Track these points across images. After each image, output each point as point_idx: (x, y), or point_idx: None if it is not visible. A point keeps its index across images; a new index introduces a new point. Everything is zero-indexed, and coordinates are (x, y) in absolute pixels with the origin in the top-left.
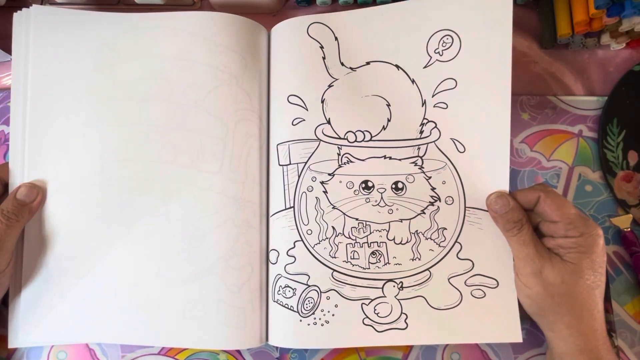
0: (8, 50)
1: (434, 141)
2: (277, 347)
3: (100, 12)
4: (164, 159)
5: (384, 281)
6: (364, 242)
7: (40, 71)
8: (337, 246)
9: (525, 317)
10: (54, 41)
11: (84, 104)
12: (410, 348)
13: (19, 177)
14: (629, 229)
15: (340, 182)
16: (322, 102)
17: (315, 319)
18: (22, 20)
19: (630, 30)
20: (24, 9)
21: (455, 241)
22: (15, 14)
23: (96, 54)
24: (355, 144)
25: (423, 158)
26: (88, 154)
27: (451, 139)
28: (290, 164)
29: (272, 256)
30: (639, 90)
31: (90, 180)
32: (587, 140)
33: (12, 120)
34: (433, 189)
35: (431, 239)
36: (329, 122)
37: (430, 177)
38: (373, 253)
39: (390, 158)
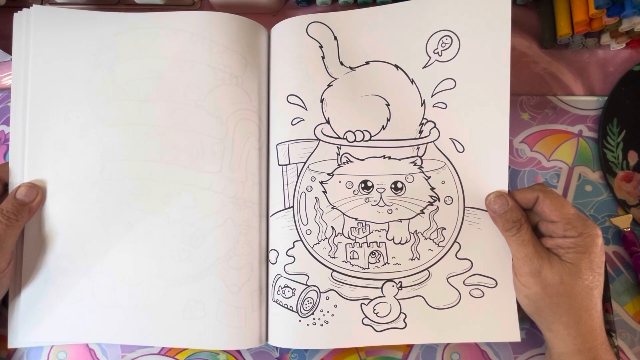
0: (8, 50)
1: (433, 141)
2: (277, 347)
3: (100, 12)
4: (164, 159)
5: (383, 281)
6: (363, 242)
7: (40, 71)
8: (337, 246)
9: (525, 317)
10: (54, 41)
11: (84, 104)
12: (410, 348)
13: (18, 177)
14: (629, 229)
15: (340, 182)
16: (322, 101)
17: (314, 319)
18: (23, 21)
19: (630, 30)
20: (24, 9)
21: (454, 241)
22: (15, 14)
23: (96, 54)
24: (355, 143)
25: (422, 158)
26: (88, 154)
27: (450, 138)
28: (289, 163)
29: (272, 256)
30: (639, 90)
31: (90, 180)
32: (587, 140)
33: (12, 120)
34: (432, 188)
35: (430, 239)
36: (328, 121)
37: (429, 177)
38: (372, 253)
39: (389, 158)
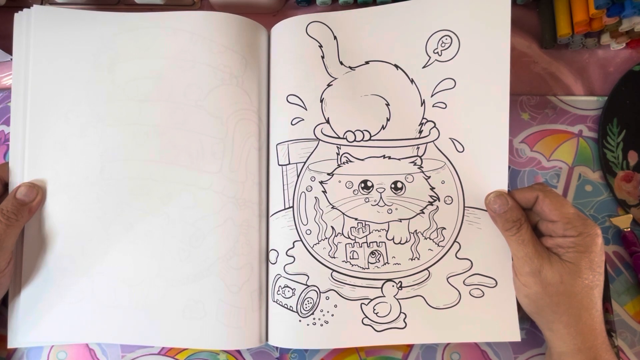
0: (8, 50)
1: (433, 141)
2: (277, 347)
3: (100, 12)
4: (164, 159)
5: (383, 281)
6: (363, 242)
7: (40, 71)
8: (337, 246)
9: (525, 317)
10: (54, 41)
11: (84, 104)
12: (410, 348)
13: (18, 177)
14: (629, 229)
15: (340, 181)
16: (321, 101)
17: (314, 319)
18: (23, 21)
19: (630, 30)
20: (24, 9)
21: (454, 241)
22: (15, 14)
23: (96, 53)
24: (355, 143)
25: (422, 158)
26: (88, 154)
27: (450, 138)
28: (289, 163)
29: (272, 256)
30: (639, 90)
31: (90, 180)
32: (587, 140)
33: (12, 120)
34: (432, 188)
35: (430, 239)
36: (328, 121)
37: (429, 177)
38: (372, 253)
39: (389, 158)
